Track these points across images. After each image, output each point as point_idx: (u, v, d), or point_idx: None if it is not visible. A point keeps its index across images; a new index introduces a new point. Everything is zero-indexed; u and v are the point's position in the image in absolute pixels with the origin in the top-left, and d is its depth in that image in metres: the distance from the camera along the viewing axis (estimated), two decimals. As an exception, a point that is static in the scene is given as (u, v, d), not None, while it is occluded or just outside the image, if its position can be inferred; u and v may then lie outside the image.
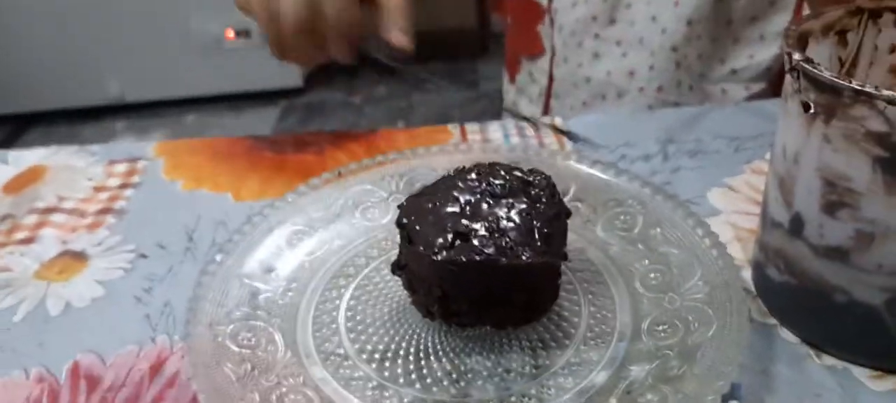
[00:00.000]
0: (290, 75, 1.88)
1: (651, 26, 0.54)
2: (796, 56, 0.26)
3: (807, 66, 0.25)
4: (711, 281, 0.29)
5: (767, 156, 0.40)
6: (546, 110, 0.62)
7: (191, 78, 1.88)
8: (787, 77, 0.27)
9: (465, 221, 0.28)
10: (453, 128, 0.47)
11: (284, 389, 0.28)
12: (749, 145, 0.42)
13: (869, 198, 0.25)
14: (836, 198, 0.26)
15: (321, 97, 1.89)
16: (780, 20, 0.54)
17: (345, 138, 0.47)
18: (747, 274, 0.32)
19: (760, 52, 0.55)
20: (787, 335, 0.29)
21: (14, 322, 0.34)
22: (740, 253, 0.34)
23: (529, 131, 0.46)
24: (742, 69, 0.55)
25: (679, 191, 0.38)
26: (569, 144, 0.44)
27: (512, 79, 0.67)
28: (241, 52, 1.84)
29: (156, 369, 0.31)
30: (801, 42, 0.28)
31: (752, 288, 0.32)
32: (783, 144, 0.28)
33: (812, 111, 0.26)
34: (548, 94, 0.61)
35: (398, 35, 0.40)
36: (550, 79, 0.61)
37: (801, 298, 0.29)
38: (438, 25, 1.94)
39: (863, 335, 0.28)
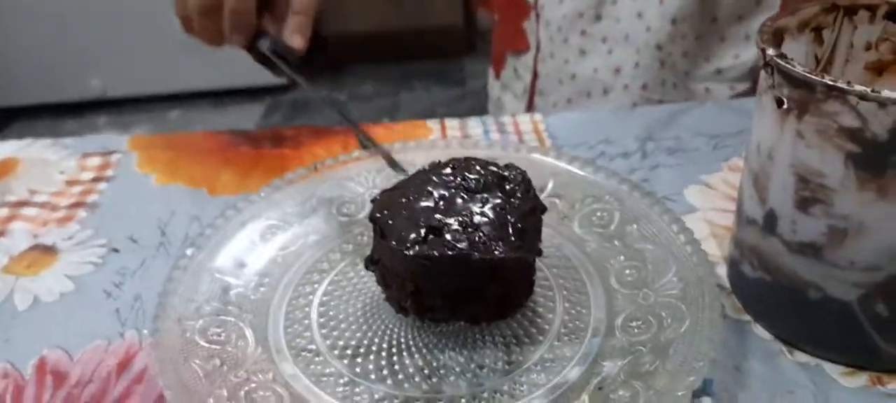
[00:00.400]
0: (275, 72, 1.87)
1: (636, 23, 0.54)
2: (770, 51, 0.26)
3: (780, 61, 0.25)
4: (685, 277, 0.29)
5: (744, 153, 0.40)
6: (530, 106, 0.62)
7: (174, 73, 1.86)
8: (762, 73, 0.27)
9: (437, 216, 0.28)
10: (433, 124, 0.47)
11: (253, 385, 0.27)
12: (728, 143, 0.42)
13: (841, 194, 0.25)
14: (809, 194, 0.26)
15: (306, 94, 1.88)
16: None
17: (323, 133, 0.47)
18: (722, 271, 0.32)
19: (745, 51, 0.55)
20: (760, 331, 0.29)
21: (-20, 317, 0.33)
22: (716, 250, 0.34)
23: (509, 127, 0.45)
24: (727, 68, 0.55)
25: (657, 188, 0.38)
26: (548, 140, 0.43)
27: (497, 75, 0.66)
28: (224, 47, 1.82)
29: (124, 365, 0.31)
30: (777, 38, 0.28)
31: (727, 285, 0.32)
32: (758, 141, 0.28)
33: (785, 107, 0.26)
34: (531, 91, 0.61)
35: (294, 35, 0.42)
36: (534, 75, 0.61)
37: (776, 294, 0.29)
38: (425, 23, 1.94)
39: (836, 331, 0.28)
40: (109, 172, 0.44)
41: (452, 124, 0.46)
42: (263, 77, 2.08)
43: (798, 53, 0.29)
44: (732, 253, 0.31)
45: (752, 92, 0.56)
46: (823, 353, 0.28)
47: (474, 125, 0.46)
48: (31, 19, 1.78)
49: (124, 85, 1.88)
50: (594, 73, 0.57)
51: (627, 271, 0.31)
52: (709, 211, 0.36)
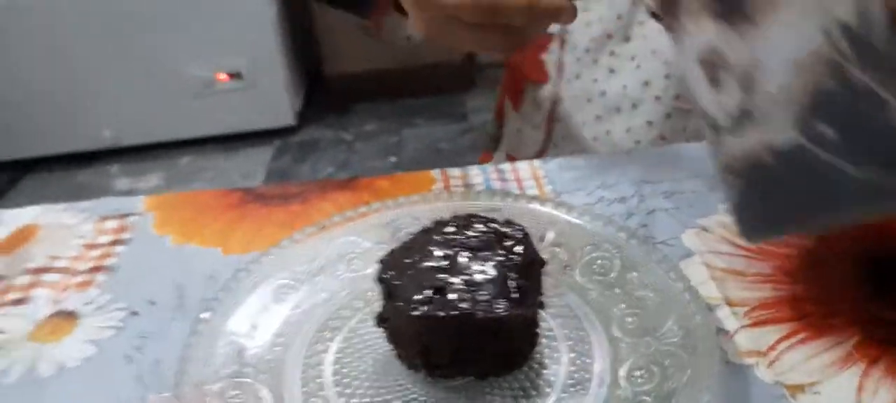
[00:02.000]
0: (282, 115, 1.91)
1: (664, 37, 0.56)
2: None
3: None
4: (685, 324, 0.30)
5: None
6: (549, 134, 0.63)
7: (184, 120, 1.90)
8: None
9: (442, 275, 0.29)
10: (436, 174, 0.48)
11: (271, 447, 0.28)
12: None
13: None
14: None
15: (313, 135, 1.91)
16: None
17: (329, 187, 0.48)
18: (723, 314, 0.33)
19: None
20: (762, 375, 0.30)
21: (7, 384, 0.35)
22: (714, 293, 0.35)
23: (509, 174, 0.47)
24: None
25: (655, 232, 0.39)
26: (548, 187, 0.45)
27: (516, 108, 0.68)
28: (232, 93, 1.87)
29: (145, 429, 0.32)
30: None
31: (726, 328, 0.32)
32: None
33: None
34: (550, 118, 0.63)
35: None
36: (554, 102, 0.63)
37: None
38: (425, 61, 1.97)
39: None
40: (126, 235, 0.46)
41: (454, 173, 0.48)
42: (270, 120, 2.12)
43: None
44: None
45: None
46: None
47: (476, 174, 0.48)
48: (42, 71, 1.83)
49: (135, 134, 1.92)
50: (624, 90, 0.58)
51: (629, 319, 0.32)
52: (706, 254, 0.37)
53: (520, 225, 0.31)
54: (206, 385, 0.31)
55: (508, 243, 0.30)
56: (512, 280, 0.29)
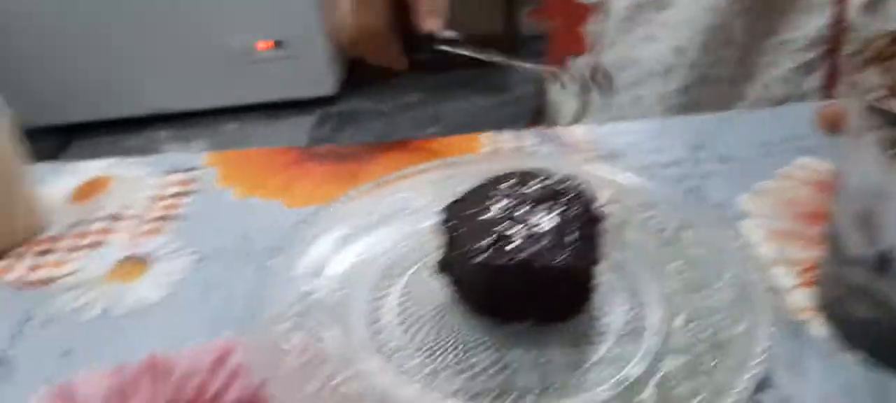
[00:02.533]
0: (322, 84, 1.93)
1: (699, 3, 0.56)
2: (871, 95, 0.25)
3: (884, 105, 0.25)
4: (741, 280, 0.31)
5: (797, 161, 0.41)
6: (585, 104, 0.64)
7: (228, 88, 1.94)
8: (853, 111, 0.27)
9: (503, 226, 0.30)
10: (485, 137, 0.49)
11: (341, 378, 0.30)
12: (778, 150, 0.43)
13: None
14: None
15: (353, 105, 1.94)
16: None
17: (383, 148, 0.50)
18: (777, 272, 0.33)
19: (808, 21, 0.55)
20: (817, 331, 0.31)
21: (86, 320, 0.37)
22: (771, 253, 0.35)
23: (563, 138, 0.47)
24: (790, 40, 0.56)
25: (709, 195, 0.39)
26: (601, 151, 0.45)
27: (555, 79, 0.69)
28: (274, 62, 1.90)
29: (221, 361, 0.34)
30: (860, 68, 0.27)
31: (783, 286, 0.33)
32: (859, 181, 0.28)
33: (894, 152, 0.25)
34: (586, 88, 0.63)
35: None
36: (592, 71, 0.63)
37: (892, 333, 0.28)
38: (466, 31, 1.97)
39: None
40: (191, 188, 0.48)
41: (507, 137, 0.49)
42: (312, 89, 2.14)
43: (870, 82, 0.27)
44: (833, 290, 0.31)
45: (815, 62, 0.55)
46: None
47: (527, 136, 0.48)
48: (88, 37, 1.88)
49: (181, 100, 1.96)
50: (658, 55, 0.58)
51: (684, 275, 0.33)
52: (762, 218, 0.37)
53: (579, 180, 0.32)
54: (276, 323, 0.32)
55: (567, 197, 0.31)
56: (571, 232, 0.30)
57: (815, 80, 0.57)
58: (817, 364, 0.29)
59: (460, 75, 1.97)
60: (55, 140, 1.92)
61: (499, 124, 0.50)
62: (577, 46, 0.65)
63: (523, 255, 0.29)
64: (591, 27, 0.64)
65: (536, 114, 0.77)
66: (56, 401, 0.32)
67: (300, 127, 1.87)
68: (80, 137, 1.96)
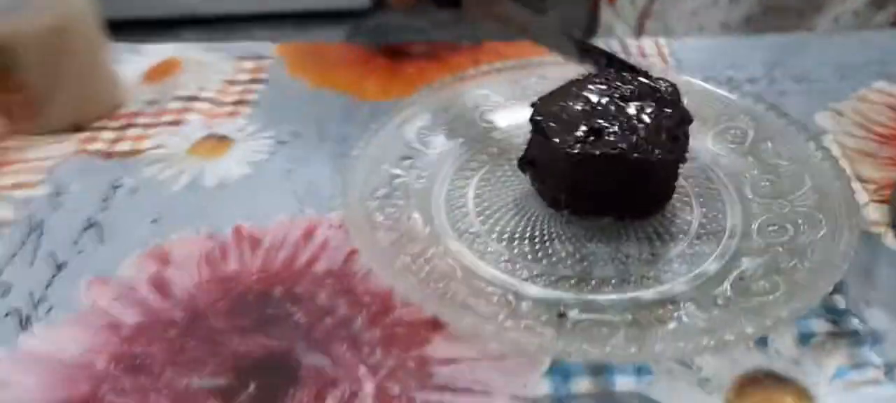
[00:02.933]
0: (356, -3, 1.90)
1: None
2: None
3: None
4: (822, 189, 0.32)
5: (875, 85, 0.41)
6: (640, 31, 0.63)
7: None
8: None
9: (597, 119, 0.31)
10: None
11: (429, 255, 0.32)
12: (855, 74, 0.43)
13: None
14: None
15: (387, 20, 1.91)
16: None
17: (457, 47, 0.50)
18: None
19: None
20: (890, 242, 0.32)
21: (175, 190, 0.39)
22: (849, 168, 0.36)
23: (634, 50, 0.47)
24: None
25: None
26: (674, 64, 0.45)
27: (611, 1, 0.68)
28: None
29: (307, 236, 0.35)
30: None
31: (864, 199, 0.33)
32: None
33: None
34: (643, 14, 0.62)
35: None
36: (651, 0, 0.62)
37: None
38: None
39: None
40: (263, 75, 0.49)
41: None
42: (349, 1, 2.09)
43: None
44: None
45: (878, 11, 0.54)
46: None
47: (598, 46, 0.48)
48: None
49: (212, 3, 1.94)
50: None
51: (762, 183, 0.34)
52: (840, 135, 0.38)
53: (670, 81, 0.33)
54: (365, 201, 0.34)
55: (660, 95, 0.32)
56: (664, 130, 0.31)
57: (886, 15, 0.56)
58: (888, 272, 0.31)
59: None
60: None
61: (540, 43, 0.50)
62: None
63: (622, 146, 0.29)
64: None
65: (587, 33, 0.76)
66: (151, 262, 0.34)
67: (331, 37, 1.85)
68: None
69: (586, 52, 0.37)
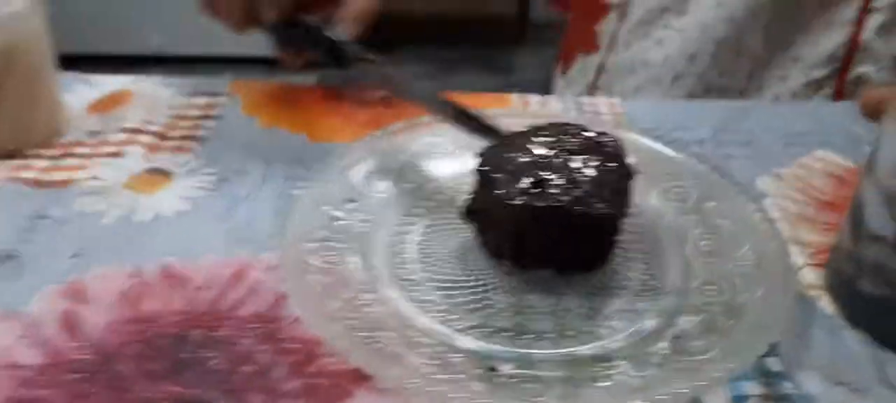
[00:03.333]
0: (327, 46, 1.91)
1: (716, 11, 0.56)
2: None
3: None
4: (760, 251, 0.32)
5: (817, 153, 0.42)
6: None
7: (227, 37, 1.91)
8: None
9: (541, 171, 0.31)
10: (515, 97, 0.50)
11: (361, 302, 0.31)
12: (798, 141, 0.44)
13: None
14: None
15: (354, 74, 1.92)
16: (850, 8, 0.54)
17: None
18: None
19: (826, 39, 0.55)
20: (824, 306, 0.32)
21: (104, 224, 0.37)
22: (785, 233, 0.36)
23: (587, 108, 0.48)
24: (805, 56, 0.56)
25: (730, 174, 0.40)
26: (624, 121, 0.46)
27: (563, 72, 0.69)
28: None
29: (238, 277, 0.34)
30: None
31: (798, 264, 0.34)
32: (893, 160, 0.28)
33: None
34: (591, 88, 0.64)
35: (352, 23, 0.47)
36: (598, 72, 0.63)
37: None
38: (479, 11, 1.96)
39: None
40: (216, 112, 0.48)
41: (534, 99, 0.49)
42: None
43: None
44: (843, 267, 0.31)
45: (829, 79, 0.56)
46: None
47: (554, 101, 0.49)
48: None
49: (179, 44, 1.94)
50: (668, 61, 0.58)
51: (704, 242, 0.34)
52: (781, 199, 0.38)
53: (615, 137, 0.33)
54: (302, 243, 0.33)
55: (605, 150, 0.32)
56: (607, 185, 0.30)
57: (823, 98, 0.57)
58: (822, 337, 0.30)
59: (467, 53, 1.96)
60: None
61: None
62: (588, 44, 0.65)
63: (564, 199, 0.29)
64: (604, 26, 0.63)
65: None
66: (65, 299, 0.32)
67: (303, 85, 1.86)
68: (74, 69, 1.92)
69: (462, 114, 0.39)
